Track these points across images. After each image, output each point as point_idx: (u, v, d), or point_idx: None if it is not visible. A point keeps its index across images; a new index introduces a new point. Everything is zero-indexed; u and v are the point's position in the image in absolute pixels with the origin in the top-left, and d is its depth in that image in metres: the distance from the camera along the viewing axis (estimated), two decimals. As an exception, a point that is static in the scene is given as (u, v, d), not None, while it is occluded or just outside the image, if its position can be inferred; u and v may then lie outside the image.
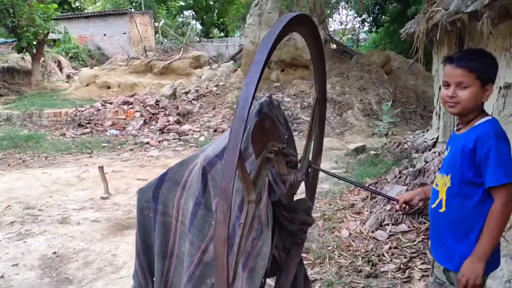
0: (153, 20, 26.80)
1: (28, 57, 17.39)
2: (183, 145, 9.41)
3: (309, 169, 2.10)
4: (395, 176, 5.16)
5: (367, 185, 5.40)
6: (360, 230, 4.13)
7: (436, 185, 1.88)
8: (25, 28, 15.41)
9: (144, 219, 2.05)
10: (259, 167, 1.70)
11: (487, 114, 1.78)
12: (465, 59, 1.74)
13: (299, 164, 1.98)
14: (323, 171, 2.23)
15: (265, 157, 1.76)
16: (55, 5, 17.65)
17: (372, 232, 4.05)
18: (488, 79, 1.72)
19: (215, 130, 10.37)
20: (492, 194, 1.68)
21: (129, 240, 4.29)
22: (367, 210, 4.55)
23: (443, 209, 1.81)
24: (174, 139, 9.83)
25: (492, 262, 1.78)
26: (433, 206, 1.87)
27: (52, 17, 16.99)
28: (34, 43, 15.98)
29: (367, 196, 4.88)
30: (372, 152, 7.36)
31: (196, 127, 10.63)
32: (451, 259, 1.80)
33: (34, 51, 16.28)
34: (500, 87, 4.13)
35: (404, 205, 2.08)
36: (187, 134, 10.16)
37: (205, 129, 10.52)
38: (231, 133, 1.19)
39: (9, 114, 11.88)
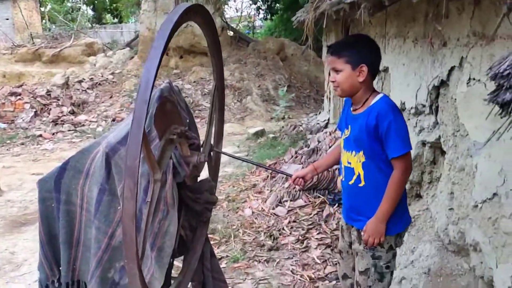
0: (39, 5, 24.90)
1: None
2: (79, 136, 9.02)
3: (211, 153, 2.23)
4: (292, 156, 5.50)
5: (266, 165, 5.69)
6: (262, 208, 4.38)
7: (349, 162, 2.04)
8: None
9: (47, 209, 2.03)
10: (162, 148, 1.79)
11: (378, 92, 2.00)
12: (335, 47, 2.00)
13: (201, 148, 2.11)
14: (223, 153, 2.37)
15: (168, 139, 1.85)
16: None
17: (273, 209, 4.32)
18: (358, 61, 1.92)
19: (113, 120, 10.07)
20: (393, 163, 1.90)
21: (27, 236, 4.12)
22: (267, 189, 4.81)
23: (362, 183, 1.99)
24: (69, 130, 9.37)
25: (404, 220, 2.06)
26: (351, 182, 2.03)
27: None
28: None
29: (267, 176, 5.15)
30: (271, 135, 7.70)
31: (93, 117, 10.23)
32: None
33: None
34: (379, 71, 4.59)
35: (298, 179, 2.31)
36: (83, 125, 9.75)
37: (103, 119, 10.17)
38: (135, 114, 1.26)
39: None
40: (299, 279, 3.15)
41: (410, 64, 3.31)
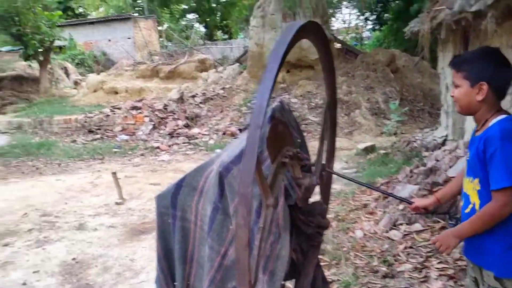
0: (157, 24, 26.90)
1: (35, 64, 17.53)
2: (193, 148, 9.45)
3: (323, 173, 2.12)
4: (406, 175, 5.16)
5: (378, 185, 5.41)
6: (374, 230, 4.14)
7: (466, 189, 1.87)
8: (30, 36, 15.52)
9: (164, 224, 2.08)
10: (275, 171, 1.73)
11: (504, 113, 1.77)
12: (456, 60, 1.83)
13: (313, 168, 2.01)
14: (337, 174, 2.25)
15: (281, 162, 1.78)
16: (60, 12, 17.80)
17: (386, 232, 4.06)
18: (477, 78, 1.73)
19: (224, 133, 10.40)
20: (492, 196, 1.68)
21: (145, 245, 4.33)
22: (380, 210, 4.55)
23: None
24: (183, 143, 9.87)
25: None
26: (467, 211, 1.85)
27: (57, 24, 17.12)
28: (41, 50, 16.09)
29: (379, 196, 4.89)
30: (382, 151, 7.36)
31: (205, 131, 10.67)
32: (490, 260, 1.78)
33: (41, 58, 16.41)
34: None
35: (419, 209, 2.12)
36: (196, 138, 10.20)
37: (214, 132, 10.56)
38: (248, 140, 1.21)
39: (20, 122, 11.99)
40: (417, 313, 2.89)
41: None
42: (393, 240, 3.89)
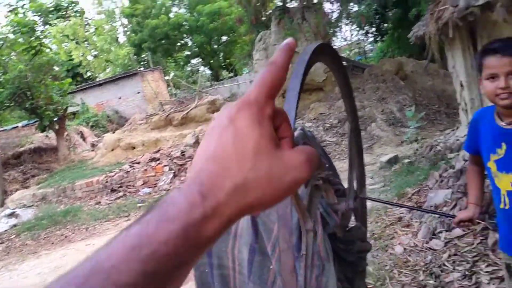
0: (163, 74, 27.50)
1: (51, 134, 17.94)
2: (216, 190, 9.43)
3: (356, 200, 2.07)
4: (436, 181, 5.04)
5: (409, 195, 5.29)
6: (414, 243, 4.01)
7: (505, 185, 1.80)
8: (44, 108, 15.92)
9: (201, 275, 2.04)
10: (310, 195, 1.70)
11: None
12: (511, 47, 1.70)
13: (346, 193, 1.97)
14: (371, 199, 2.20)
15: (314, 185, 1.75)
16: (69, 80, 18.30)
17: (427, 242, 3.93)
18: None
19: (244, 170, 10.38)
20: None
21: (184, 296, 4.26)
22: (416, 221, 4.43)
23: None
24: (206, 186, 9.86)
25: None
26: (507, 207, 1.80)
27: (68, 92, 17.59)
28: (55, 119, 16.49)
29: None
30: (406, 161, 7.23)
31: (225, 171, 10.67)
32: None
33: (57, 127, 16.78)
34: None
35: (464, 223, 2.05)
36: (217, 179, 10.19)
37: (234, 170, 10.55)
38: None
39: (44, 193, 12.16)
40: (478, 323, 2.75)
41: None
42: (435, 250, 3.76)
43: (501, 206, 1.82)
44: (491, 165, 1.85)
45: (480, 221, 3.81)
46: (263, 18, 14.83)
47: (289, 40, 0.51)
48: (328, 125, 11.33)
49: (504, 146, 1.78)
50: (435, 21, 4.41)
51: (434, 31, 4.60)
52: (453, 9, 3.60)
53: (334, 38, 17.43)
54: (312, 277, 1.69)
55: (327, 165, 2.08)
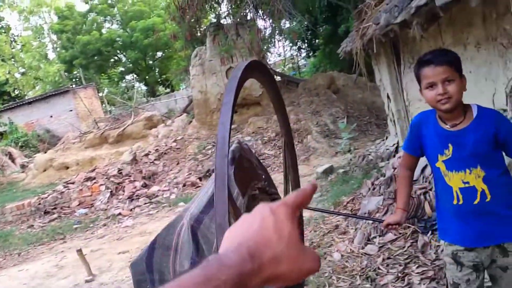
0: (97, 91, 26.71)
1: (-24, 156, 16.89)
2: (155, 207, 9.27)
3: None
4: (369, 189, 5.29)
5: (344, 203, 5.51)
6: (351, 249, 4.18)
7: (465, 182, 1.92)
8: (-32, 128, 15.01)
9: (143, 292, 2.03)
10: (247, 205, 1.75)
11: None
12: (442, 56, 1.87)
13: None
14: (310, 209, 2.29)
15: (251, 195, 1.81)
16: (-5, 98, 17.37)
17: (362, 248, 4.11)
18: (461, 70, 1.85)
19: (184, 185, 10.30)
20: None
21: (125, 318, 4.16)
22: (352, 228, 4.62)
23: (488, 197, 1.89)
24: (145, 203, 9.67)
25: None
26: (476, 202, 1.92)
27: (-5, 111, 16.68)
28: (-20, 140, 15.56)
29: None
30: (341, 171, 7.52)
31: (165, 186, 10.53)
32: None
33: (-18, 148, 15.83)
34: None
35: (392, 226, 2.19)
36: (157, 196, 10.03)
37: (174, 186, 10.43)
38: (216, 171, 1.26)
39: (-31, 218, 11.38)
40: (410, 321, 2.92)
41: (478, 70, 3.12)
42: (370, 255, 3.94)
43: (454, 202, 1.96)
44: (440, 165, 1.99)
45: (410, 225, 4.06)
46: (198, 34, 14.88)
47: (315, 182, 0.74)
48: (266, 138, 11.53)
49: (451, 147, 1.92)
50: (360, 37, 4.68)
51: (360, 46, 4.87)
52: (375, 27, 3.84)
53: (268, 54, 17.80)
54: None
55: (263, 176, 2.15)
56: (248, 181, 1.83)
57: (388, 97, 7.02)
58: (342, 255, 4.14)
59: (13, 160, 19.07)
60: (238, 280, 0.51)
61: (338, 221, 5.02)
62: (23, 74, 33.00)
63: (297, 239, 0.58)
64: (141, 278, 2.06)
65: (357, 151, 8.74)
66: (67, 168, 15.09)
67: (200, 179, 10.49)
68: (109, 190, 10.62)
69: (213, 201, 2.04)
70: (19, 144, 21.04)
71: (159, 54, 32.18)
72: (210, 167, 10.67)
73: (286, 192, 2.15)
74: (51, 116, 23.30)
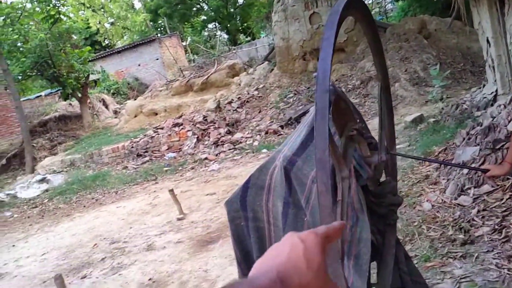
0: (181, 40, 27.33)
1: (75, 102, 18.18)
2: (239, 153, 9.52)
3: (387, 156, 2.09)
4: (464, 139, 4.98)
5: (436, 153, 5.26)
6: (442, 200, 4.02)
7: None
8: (66, 76, 16.09)
9: (237, 228, 2.09)
10: (344, 145, 1.71)
11: None
12: None
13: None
14: (402, 155, 2.20)
15: (348, 136, 1.76)
16: (89, 47, 18.38)
17: (455, 199, 3.94)
18: None
19: (266, 132, 10.42)
20: None
21: (215, 254, 4.39)
22: (443, 179, 4.42)
23: None
24: (229, 149, 9.96)
25: None
26: None
27: (88, 60, 17.70)
28: (78, 87, 16.67)
29: (440, 165, 4.74)
30: (431, 120, 7.14)
31: (248, 134, 10.72)
32: None
33: (79, 95, 16.99)
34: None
35: (492, 177, 2.09)
36: (240, 142, 10.27)
37: (256, 133, 10.59)
38: (317, 105, 1.24)
39: (72, 159, 12.46)
40: (508, 273, 2.78)
41: None
42: (463, 206, 3.77)
43: None
44: None
45: (510, 177, 3.79)
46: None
47: (344, 222, 0.78)
48: (350, 86, 11.20)
49: None
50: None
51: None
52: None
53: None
54: (346, 227, 1.73)
55: (358, 120, 2.09)
56: (344, 122, 1.78)
57: (487, 41, 6.44)
58: (432, 205, 4.00)
59: (106, 106, 20.38)
60: None
61: (429, 171, 4.83)
62: (112, 24, 34.50)
63: (325, 270, 0.59)
64: (236, 215, 2.13)
65: (450, 100, 8.21)
66: (156, 114, 15.83)
67: (281, 127, 10.52)
68: (196, 136, 11.04)
69: (306, 144, 2.03)
70: (111, 91, 22.38)
71: (240, 1, 31.99)
72: (292, 115, 10.65)
73: (380, 139, 2.07)
74: (139, 65, 24.36)
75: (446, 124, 6.65)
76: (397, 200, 2.02)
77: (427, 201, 4.12)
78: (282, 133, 10.12)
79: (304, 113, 10.63)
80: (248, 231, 2.04)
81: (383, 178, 2.08)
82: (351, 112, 1.92)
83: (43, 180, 10.99)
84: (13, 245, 6.72)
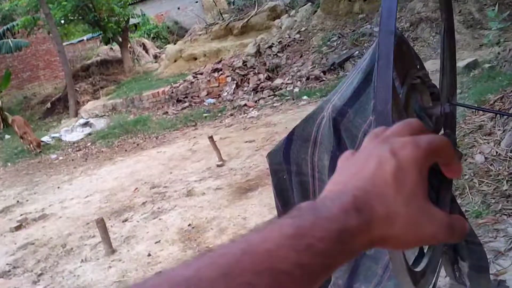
0: (220, -18, 26.57)
1: (115, 46, 18.24)
2: (279, 100, 9.34)
3: (447, 105, 1.89)
4: (523, 86, 4.62)
5: (491, 102, 4.91)
6: (497, 152, 3.77)
7: None
8: (107, 20, 16.06)
9: (280, 181, 2.01)
10: (406, 94, 1.54)
11: None
12: None
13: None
14: (463, 105, 1.99)
15: (411, 84, 1.58)
16: (128, -10, 18.19)
17: (511, 151, 3.68)
18: None
19: (308, 78, 10.12)
20: None
21: (254, 202, 4.37)
22: (499, 129, 4.13)
23: None
24: (269, 96, 9.78)
25: None
26: None
27: (128, 3, 17.54)
28: (118, 31, 16.66)
29: (495, 115, 4.42)
30: (487, 65, 6.67)
31: (288, 79, 10.46)
32: None
33: (120, 39, 17.01)
34: None
35: None
36: (280, 89, 10.05)
37: (297, 79, 10.31)
38: (380, 49, 1.07)
39: (113, 103, 12.65)
40: None
41: None
42: (522, 159, 3.51)
43: None
44: None
45: None
46: None
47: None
48: (399, 29, 10.59)
49: None
50: None
51: None
52: None
53: None
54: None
55: (418, 66, 1.88)
56: (407, 68, 1.58)
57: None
58: (485, 158, 3.76)
59: (146, 50, 20.38)
60: (338, 240, 0.39)
61: (483, 120, 4.51)
62: (151, -34, 33.86)
63: (423, 195, 0.43)
64: (278, 168, 2.03)
65: (508, 44, 7.62)
66: (195, 59, 15.68)
67: (324, 72, 10.18)
68: (235, 82, 10.89)
69: (359, 93, 1.85)
70: (151, 35, 22.27)
71: None
72: (335, 60, 10.26)
73: (441, 87, 1.86)
74: (179, 8, 24.00)
75: (502, 70, 6.19)
76: (457, 154, 1.84)
77: (479, 153, 3.87)
78: (324, 79, 9.81)
79: (347, 58, 10.21)
80: (291, 184, 1.96)
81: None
82: (412, 57, 1.73)
83: (86, 124, 11.25)
84: (58, 187, 6.97)
